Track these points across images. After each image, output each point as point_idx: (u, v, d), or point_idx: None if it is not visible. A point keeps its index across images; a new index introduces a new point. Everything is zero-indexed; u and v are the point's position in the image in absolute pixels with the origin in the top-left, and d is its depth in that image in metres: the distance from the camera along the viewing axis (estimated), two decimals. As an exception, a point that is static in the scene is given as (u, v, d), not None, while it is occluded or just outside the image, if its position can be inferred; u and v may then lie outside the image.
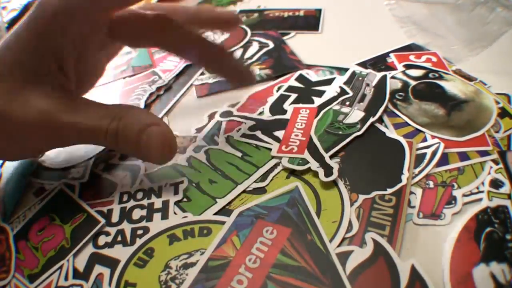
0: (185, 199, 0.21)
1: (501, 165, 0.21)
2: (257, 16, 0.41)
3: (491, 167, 0.21)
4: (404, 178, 0.20)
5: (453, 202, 0.19)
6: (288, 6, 0.41)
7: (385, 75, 0.28)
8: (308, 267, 0.17)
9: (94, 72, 0.26)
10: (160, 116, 0.29)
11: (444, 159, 0.21)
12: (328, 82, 0.29)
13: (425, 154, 0.22)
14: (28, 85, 0.20)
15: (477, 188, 0.20)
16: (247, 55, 0.34)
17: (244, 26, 0.39)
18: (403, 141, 0.23)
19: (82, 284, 0.19)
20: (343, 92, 0.27)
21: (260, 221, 0.19)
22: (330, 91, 0.28)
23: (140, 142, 0.20)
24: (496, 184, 0.20)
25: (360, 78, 0.28)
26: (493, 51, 0.30)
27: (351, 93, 0.27)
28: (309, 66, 0.31)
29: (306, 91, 0.28)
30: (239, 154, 0.24)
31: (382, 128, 0.24)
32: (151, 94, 0.31)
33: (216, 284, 0.17)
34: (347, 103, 0.26)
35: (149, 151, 0.20)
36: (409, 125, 0.24)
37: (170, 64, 0.35)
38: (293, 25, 0.38)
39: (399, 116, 0.25)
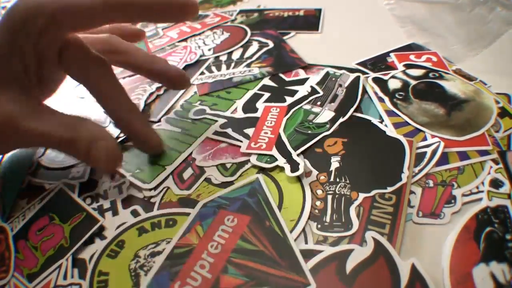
0: (138, 170, 0.24)
1: (501, 165, 0.21)
2: (257, 16, 0.41)
3: (491, 167, 0.21)
4: (404, 176, 0.20)
5: (452, 201, 0.19)
6: (288, 6, 0.41)
7: (358, 76, 0.28)
8: (266, 251, 0.18)
9: (54, 80, 0.27)
10: (160, 115, 0.29)
11: (444, 159, 0.21)
12: (301, 82, 0.29)
13: (425, 153, 0.22)
14: None
15: (477, 187, 0.20)
16: (247, 54, 0.34)
17: (244, 26, 0.39)
18: (403, 139, 0.23)
19: (80, 283, 0.19)
20: (313, 91, 0.28)
21: (222, 211, 0.20)
22: (302, 90, 0.28)
23: (90, 154, 0.22)
24: (496, 184, 0.20)
25: (334, 79, 0.29)
26: (493, 51, 0.30)
27: (321, 93, 0.27)
28: (309, 65, 0.31)
29: (279, 90, 0.29)
30: (179, 130, 0.27)
31: (382, 127, 0.24)
32: (151, 94, 0.31)
33: (180, 269, 0.18)
34: (319, 103, 0.27)
35: (97, 162, 0.22)
36: (409, 124, 0.24)
37: (169, 63, 0.35)
38: (293, 25, 0.38)
39: (399, 116, 0.25)
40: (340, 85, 0.28)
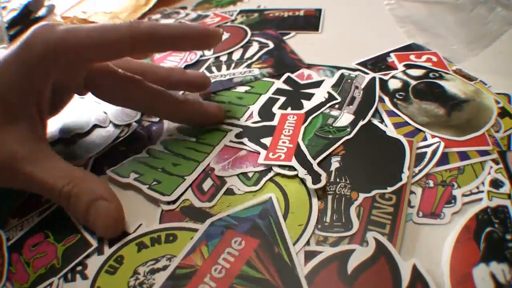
0: (155, 182, 0.23)
1: (501, 165, 0.21)
2: (257, 16, 0.41)
3: (491, 167, 0.21)
4: (404, 176, 0.20)
5: (452, 201, 0.19)
6: (288, 6, 0.41)
7: (374, 78, 0.28)
8: (272, 280, 0.17)
9: (62, 105, 0.27)
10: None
11: (444, 159, 0.21)
12: (317, 84, 0.29)
13: (425, 153, 0.22)
14: (6, 123, 0.21)
15: (477, 188, 0.20)
16: (247, 55, 0.34)
17: (244, 26, 0.39)
18: (403, 140, 0.23)
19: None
20: (331, 97, 0.27)
21: (230, 231, 0.19)
22: (319, 95, 0.27)
23: (89, 214, 0.20)
24: (496, 184, 0.20)
25: (349, 81, 0.28)
26: (493, 51, 0.30)
27: (339, 99, 0.27)
28: (309, 66, 0.31)
29: (295, 94, 0.28)
30: (194, 139, 0.26)
31: (382, 127, 0.24)
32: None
33: None
34: (337, 106, 0.26)
35: (95, 224, 0.20)
36: (409, 124, 0.24)
37: (169, 64, 0.35)
38: (293, 25, 0.38)
39: (399, 116, 0.25)
40: (357, 87, 0.27)
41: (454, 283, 0.16)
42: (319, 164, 0.22)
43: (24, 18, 0.49)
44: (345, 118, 0.25)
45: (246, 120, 0.26)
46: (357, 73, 0.29)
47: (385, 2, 0.38)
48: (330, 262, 0.17)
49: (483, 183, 0.20)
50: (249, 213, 0.20)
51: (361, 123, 0.24)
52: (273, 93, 0.28)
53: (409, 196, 0.20)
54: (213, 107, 0.26)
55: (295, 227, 0.19)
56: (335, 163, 0.22)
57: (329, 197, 0.20)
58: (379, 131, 0.24)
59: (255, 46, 0.35)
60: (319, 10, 0.39)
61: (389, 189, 0.20)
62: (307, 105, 0.27)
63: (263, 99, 0.28)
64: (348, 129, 0.24)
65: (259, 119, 0.26)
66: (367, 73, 0.29)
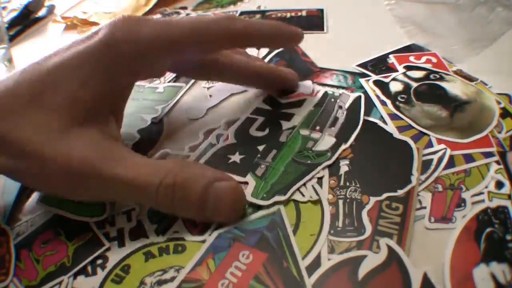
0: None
1: (501, 166, 0.21)
2: (260, 17, 0.40)
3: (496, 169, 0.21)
4: (413, 178, 0.20)
5: (462, 204, 0.19)
6: (289, 7, 0.41)
7: (360, 96, 0.26)
8: None
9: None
10: (161, 116, 0.28)
11: (450, 162, 0.21)
12: (299, 104, 0.27)
13: (431, 160, 0.22)
14: (76, 125, 0.19)
15: (486, 187, 0.20)
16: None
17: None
18: (411, 141, 0.22)
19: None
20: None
21: (237, 244, 0.19)
22: (298, 115, 0.25)
23: (207, 201, 0.18)
24: (496, 184, 0.20)
25: (333, 100, 0.26)
26: (493, 51, 0.30)
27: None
28: (322, 69, 0.30)
29: (274, 114, 0.26)
30: None
31: (388, 129, 0.24)
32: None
33: None
34: (318, 127, 0.24)
35: (217, 208, 0.18)
36: (413, 127, 0.24)
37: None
38: (297, 26, 0.37)
39: (403, 119, 0.25)
40: (340, 107, 0.25)
41: (454, 284, 0.16)
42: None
43: (24, 19, 0.48)
44: (326, 141, 0.23)
45: (224, 141, 0.24)
46: (341, 91, 0.27)
47: (385, 2, 0.38)
48: (341, 267, 0.17)
49: (489, 184, 0.20)
50: (257, 225, 0.19)
51: (343, 147, 0.23)
52: (252, 113, 0.27)
53: (418, 203, 0.19)
54: (286, 70, 0.28)
55: (307, 237, 0.19)
56: (344, 167, 0.22)
57: (340, 202, 0.20)
58: (385, 133, 0.24)
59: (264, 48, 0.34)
60: (321, 10, 0.39)
61: (399, 192, 0.20)
62: (286, 126, 0.25)
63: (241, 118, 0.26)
64: (328, 154, 0.22)
65: (235, 141, 0.24)
66: (368, 75, 0.29)
